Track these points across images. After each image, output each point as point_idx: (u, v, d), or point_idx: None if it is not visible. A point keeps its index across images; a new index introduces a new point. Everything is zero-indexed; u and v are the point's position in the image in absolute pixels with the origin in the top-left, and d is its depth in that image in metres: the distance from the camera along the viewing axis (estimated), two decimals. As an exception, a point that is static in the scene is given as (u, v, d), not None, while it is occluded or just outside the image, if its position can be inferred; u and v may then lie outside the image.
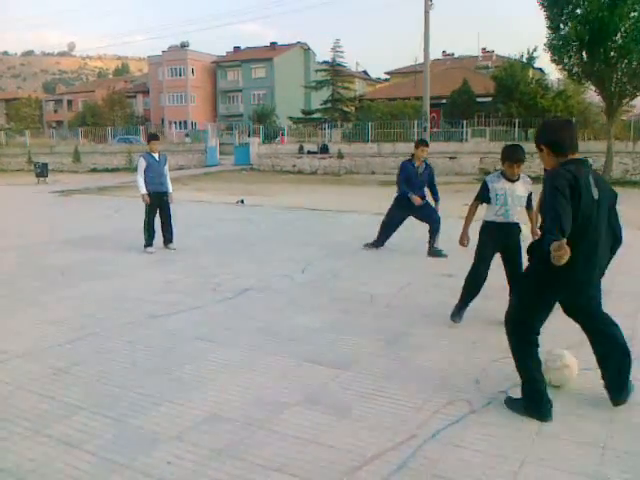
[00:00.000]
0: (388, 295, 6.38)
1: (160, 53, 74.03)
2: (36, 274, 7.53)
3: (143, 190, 8.87)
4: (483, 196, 5.33)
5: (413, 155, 8.35)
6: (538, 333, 3.60)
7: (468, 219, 5.53)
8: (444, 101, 42.08)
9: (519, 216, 5.36)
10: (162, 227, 9.08)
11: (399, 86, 51.54)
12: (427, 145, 8.43)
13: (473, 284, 5.37)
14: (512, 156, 5.14)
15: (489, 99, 39.72)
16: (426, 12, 32.79)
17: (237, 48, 78.05)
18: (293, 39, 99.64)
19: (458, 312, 5.40)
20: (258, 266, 7.92)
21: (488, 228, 5.34)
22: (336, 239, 9.93)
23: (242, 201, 15.32)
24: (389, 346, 4.84)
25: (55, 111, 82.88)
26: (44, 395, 3.91)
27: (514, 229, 5.35)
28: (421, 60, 45.66)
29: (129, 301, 6.22)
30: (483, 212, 5.43)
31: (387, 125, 34.49)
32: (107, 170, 31.76)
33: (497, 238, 5.29)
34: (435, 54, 35.86)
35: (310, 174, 28.02)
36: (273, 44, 75.51)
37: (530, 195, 5.36)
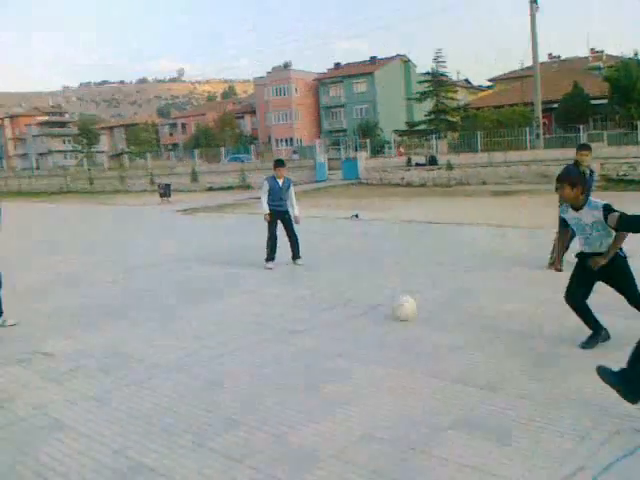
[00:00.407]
0: (527, 312, 6.12)
1: (264, 74, 76.64)
2: (176, 290, 7.95)
3: (266, 210, 9.23)
4: (566, 225, 5.07)
5: (576, 161, 8.00)
6: None
7: (560, 246, 5.22)
8: (555, 106, 40.36)
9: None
10: (289, 243, 9.32)
11: (505, 93, 50.01)
12: (589, 149, 8.01)
13: (574, 309, 5.06)
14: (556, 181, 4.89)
15: (604, 101, 37.62)
16: (532, 16, 31.75)
17: (338, 64, 79.24)
18: (393, 52, 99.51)
19: (588, 341, 5.02)
20: (385, 281, 7.89)
21: (579, 256, 5.07)
22: (460, 253, 9.70)
23: (357, 215, 15.40)
24: (537, 367, 4.62)
25: (170, 134, 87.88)
26: (202, 409, 4.07)
27: (617, 256, 4.86)
28: (527, 64, 44.22)
29: (265, 316, 6.40)
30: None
31: (496, 134, 33.51)
32: (222, 188, 33.13)
33: (589, 267, 4.91)
34: (540, 57, 34.33)
35: (419, 186, 27.72)
36: (373, 58, 75.91)
37: (607, 214, 4.66)
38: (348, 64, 78.47)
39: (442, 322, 5.92)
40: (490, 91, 63.79)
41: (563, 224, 5.10)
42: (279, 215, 9.29)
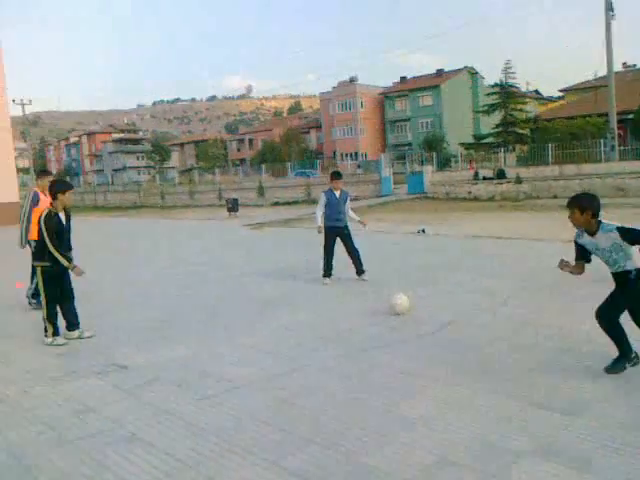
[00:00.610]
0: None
1: (330, 89, 77.39)
2: (245, 304, 8.03)
3: (318, 222, 9.39)
4: (581, 256, 4.85)
5: None
6: None
7: (572, 268, 4.95)
8: (631, 116, 38.74)
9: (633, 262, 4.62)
10: (351, 260, 9.27)
11: (577, 103, 48.43)
12: None
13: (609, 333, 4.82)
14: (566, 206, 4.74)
15: (685, 111, 35.81)
16: (607, 24, 30.65)
17: (403, 78, 79.19)
18: (460, 64, 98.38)
19: (613, 365, 4.74)
20: (454, 298, 7.72)
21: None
22: (531, 270, 9.39)
23: (423, 230, 15.19)
24: (621, 391, 4.37)
25: (238, 150, 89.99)
26: (274, 426, 4.06)
27: (621, 278, 4.69)
28: (600, 74, 42.63)
29: (335, 333, 6.36)
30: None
31: (568, 146, 32.44)
32: (288, 203, 33.51)
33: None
34: (615, 66, 32.94)
35: (486, 200, 27.12)
36: (439, 71, 75.40)
37: (630, 232, 4.51)
38: (414, 77, 78.30)
39: (518, 342, 5.71)
40: (561, 102, 61.99)
41: (579, 254, 4.87)
42: (337, 231, 9.22)
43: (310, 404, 4.41)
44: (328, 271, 9.24)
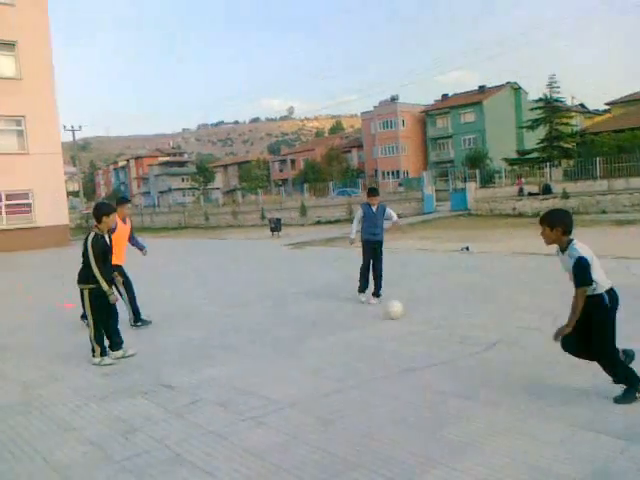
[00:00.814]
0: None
1: (372, 108, 77.71)
2: (288, 324, 8.03)
3: (352, 235, 9.48)
4: None
5: None
6: None
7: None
8: (682, 127, 37.59)
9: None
10: (372, 276, 9.23)
11: (624, 116, 47.23)
12: None
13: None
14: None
15: None
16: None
17: (445, 96, 79.00)
18: (502, 80, 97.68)
19: (623, 395, 4.50)
20: (500, 317, 7.55)
21: None
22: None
23: (467, 248, 14.98)
24: (681, 415, 4.18)
25: (280, 170, 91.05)
26: (317, 447, 4.00)
27: (589, 303, 4.47)
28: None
29: (379, 352, 6.29)
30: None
31: (616, 159, 31.61)
32: (329, 222, 33.62)
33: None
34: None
35: (532, 216, 26.58)
36: (481, 87, 74.90)
37: (579, 270, 4.34)
38: (456, 95, 78.03)
39: (568, 363, 5.51)
40: (607, 115, 60.66)
41: None
42: (373, 245, 9.22)
43: (354, 426, 4.35)
44: (363, 286, 9.24)
